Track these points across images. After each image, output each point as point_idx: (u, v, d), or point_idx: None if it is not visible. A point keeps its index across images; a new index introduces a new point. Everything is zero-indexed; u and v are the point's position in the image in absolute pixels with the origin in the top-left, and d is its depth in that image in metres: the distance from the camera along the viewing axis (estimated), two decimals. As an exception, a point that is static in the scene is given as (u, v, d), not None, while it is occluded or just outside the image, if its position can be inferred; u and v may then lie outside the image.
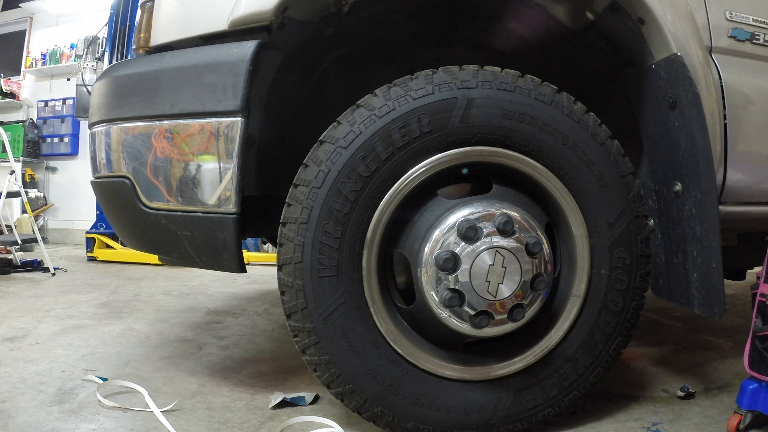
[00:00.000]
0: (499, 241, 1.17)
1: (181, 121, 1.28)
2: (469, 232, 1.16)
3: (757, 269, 1.46)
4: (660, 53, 1.33)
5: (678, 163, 1.31)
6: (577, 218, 1.27)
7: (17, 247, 4.28)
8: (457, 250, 1.16)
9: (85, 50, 5.78)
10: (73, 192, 6.46)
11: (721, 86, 1.41)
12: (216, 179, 1.25)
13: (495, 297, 1.17)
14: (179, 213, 1.31)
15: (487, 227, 1.17)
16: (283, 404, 1.46)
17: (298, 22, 1.37)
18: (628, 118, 1.51)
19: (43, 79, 6.75)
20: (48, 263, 3.99)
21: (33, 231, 4.40)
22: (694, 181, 1.26)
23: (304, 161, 1.22)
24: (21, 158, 6.14)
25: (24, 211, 5.38)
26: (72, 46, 6.43)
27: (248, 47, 1.21)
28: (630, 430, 1.33)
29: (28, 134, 6.35)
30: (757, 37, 1.49)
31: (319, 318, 1.19)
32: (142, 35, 1.41)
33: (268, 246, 4.61)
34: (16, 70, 6.78)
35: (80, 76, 5.38)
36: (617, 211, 1.27)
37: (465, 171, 1.27)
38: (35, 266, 4.11)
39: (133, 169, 1.35)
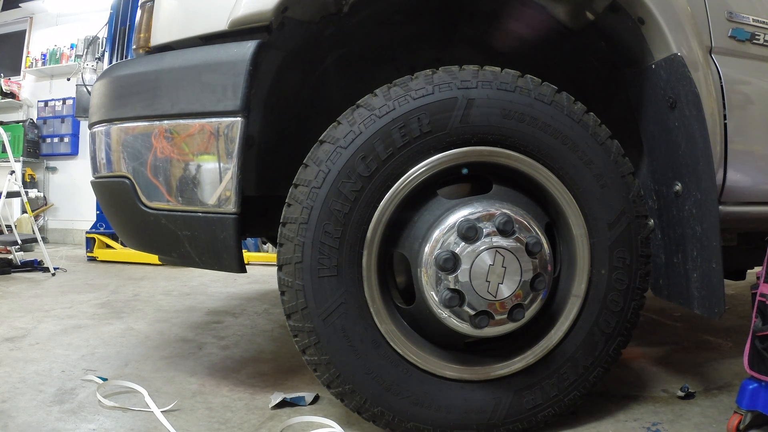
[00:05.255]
0: (499, 241, 1.17)
1: (181, 121, 1.28)
2: (469, 232, 1.16)
3: (757, 269, 1.46)
4: (660, 53, 1.33)
5: (678, 163, 1.31)
6: (577, 218, 1.27)
7: (17, 247, 4.28)
8: (457, 250, 1.16)
9: (85, 50, 5.78)
10: (73, 192, 6.46)
11: (721, 86, 1.41)
12: (216, 179, 1.25)
13: (495, 297, 1.17)
14: (179, 213, 1.31)
15: (487, 227, 1.18)
16: (283, 404, 1.46)
17: (298, 22, 1.37)
18: (628, 118, 1.51)
19: (43, 79, 6.75)
20: (48, 263, 3.99)
21: (33, 231, 4.40)
22: (694, 181, 1.26)
23: (304, 161, 1.22)
24: (21, 158, 6.13)
25: (24, 211, 5.38)
26: (72, 46, 6.42)
27: (248, 47, 1.21)
28: (630, 430, 1.33)
29: (28, 134, 6.35)
30: (757, 37, 1.49)
31: (319, 318, 1.19)
32: (142, 35, 1.41)
33: (268, 246, 4.61)
34: (16, 70, 6.78)
35: (80, 76, 5.38)
36: (617, 211, 1.27)
37: (465, 171, 1.27)
38: (35, 266, 4.11)
39: (133, 169, 1.35)
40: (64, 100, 6.54)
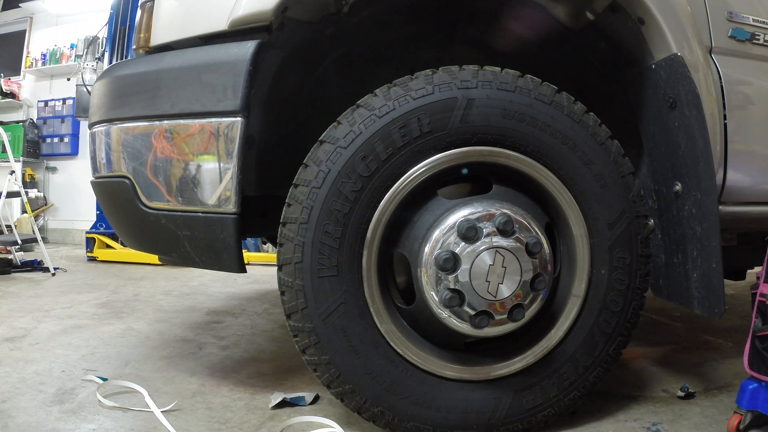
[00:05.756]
0: (499, 241, 1.17)
1: (181, 121, 1.28)
2: (469, 232, 1.16)
3: (757, 269, 1.46)
4: (660, 53, 1.33)
5: (678, 163, 1.31)
6: (577, 218, 1.27)
7: (17, 247, 4.28)
8: (457, 250, 1.16)
9: (85, 50, 5.78)
10: (73, 192, 6.46)
11: (721, 86, 1.41)
12: (216, 179, 1.25)
13: (495, 297, 1.17)
14: (179, 213, 1.31)
15: (487, 227, 1.18)
16: (283, 404, 1.46)
17: (298, 22, 1.37)
18: (628, 118, 1.51)
19: (43, 79, 6.75)
20: (48, 263, 3.99)
21: (33, 231, 4.40)
22: (694, 181, 1.26)
23: (304, 161, 1.22)
24: (21, 158, 6.14)
25: (24, 211, 5.38)
26: (72, 46, 6.43)
27: (248, 47, 1.21)
28: (630, 430, 1.33)
29: (28, 134, 6.35)
30: (757, 37, 1.49)
31: (319, 318, 1.19)
32: (142, 35, 1.41)
33: (268, 246, 4.61)
34: (16, 70, 6.78)
35: (80, 76, 5.38)
36: (617, 211, 1.27)
37: (465, 171, 1.27)
38: (35, 266, 4.11)
39: (133, 169, 1.35)
40: (64, 100, 6.54)
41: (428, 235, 1.21)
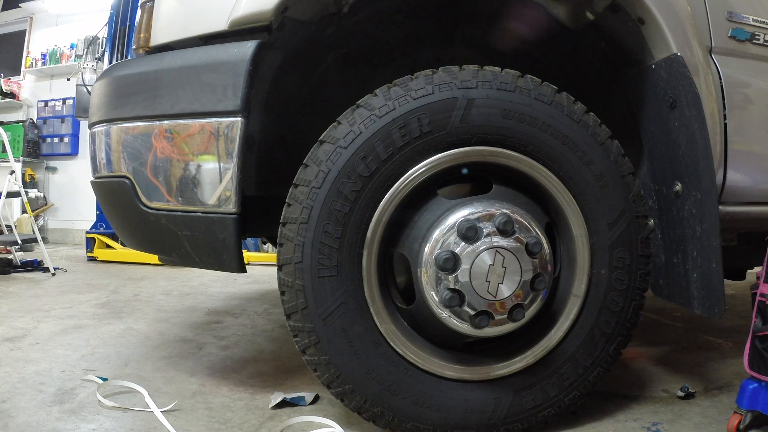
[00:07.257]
0: (499, 241, 1.17)
1: (181, 121, 1.28)
2: (469, 232, 1.16)
3: (757, 269, 1.46)
4: (660, 53, 1.33)
5: (678, 163, 1.31)
6: (577, 218, 1.27)
7: (17, 247, 4.27)
8: (457, 250, 1.16)
9: (85, 50, 5.78)
10: (73, 192, 6.46)
11: (721, 86, 1.41)
12: (216, 179, 1.25)
13: (495, 297, 1.17)
14: (179, 213, 1.31)
15: (487, 227, 1.18)
16: (283, 404, 1.46)
17: (298, 22, 1.37)
18: (628, 118, 1.51)
19: (43, 79, 6.75)
20: (48, 263, 3.99)
21: (33, 231, 4.40)
22: (694, 181, 1.26)
23: (304, 161, 1.22)
24: (21, 158, 6.14)
25: (24, 211, 5.38)
26: (72, 46, 6.43)
27: (248, 47, 1.21)
28: (630, 430, 1.33)
29: (28, 134, 6.35)
30: (757, 37, 1.49)
31: (319, 318, 1.19)
32: (142, 35, 1.41)
33: (268, 246, 4.61)
34: (16, 70, 6.78)
35: (80, 76, 5.38)
36: (617, 211, 1.27)
37: (465, 171, 1.27)
38: (35, 266, 4.11)
39: (133, 169, 1.35)
40: (64, 100, 6.54)
41: (428, 235, 1.21)
